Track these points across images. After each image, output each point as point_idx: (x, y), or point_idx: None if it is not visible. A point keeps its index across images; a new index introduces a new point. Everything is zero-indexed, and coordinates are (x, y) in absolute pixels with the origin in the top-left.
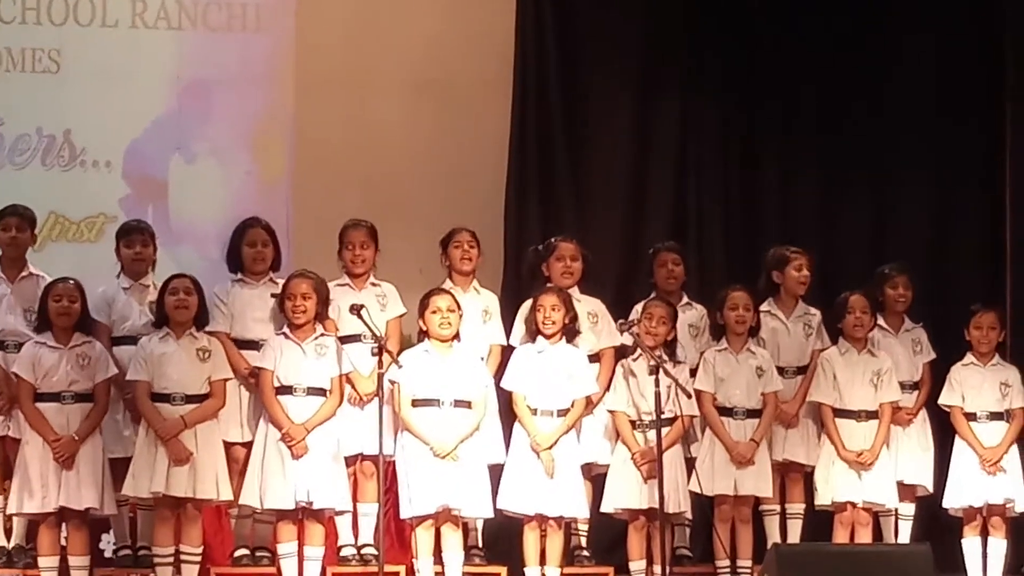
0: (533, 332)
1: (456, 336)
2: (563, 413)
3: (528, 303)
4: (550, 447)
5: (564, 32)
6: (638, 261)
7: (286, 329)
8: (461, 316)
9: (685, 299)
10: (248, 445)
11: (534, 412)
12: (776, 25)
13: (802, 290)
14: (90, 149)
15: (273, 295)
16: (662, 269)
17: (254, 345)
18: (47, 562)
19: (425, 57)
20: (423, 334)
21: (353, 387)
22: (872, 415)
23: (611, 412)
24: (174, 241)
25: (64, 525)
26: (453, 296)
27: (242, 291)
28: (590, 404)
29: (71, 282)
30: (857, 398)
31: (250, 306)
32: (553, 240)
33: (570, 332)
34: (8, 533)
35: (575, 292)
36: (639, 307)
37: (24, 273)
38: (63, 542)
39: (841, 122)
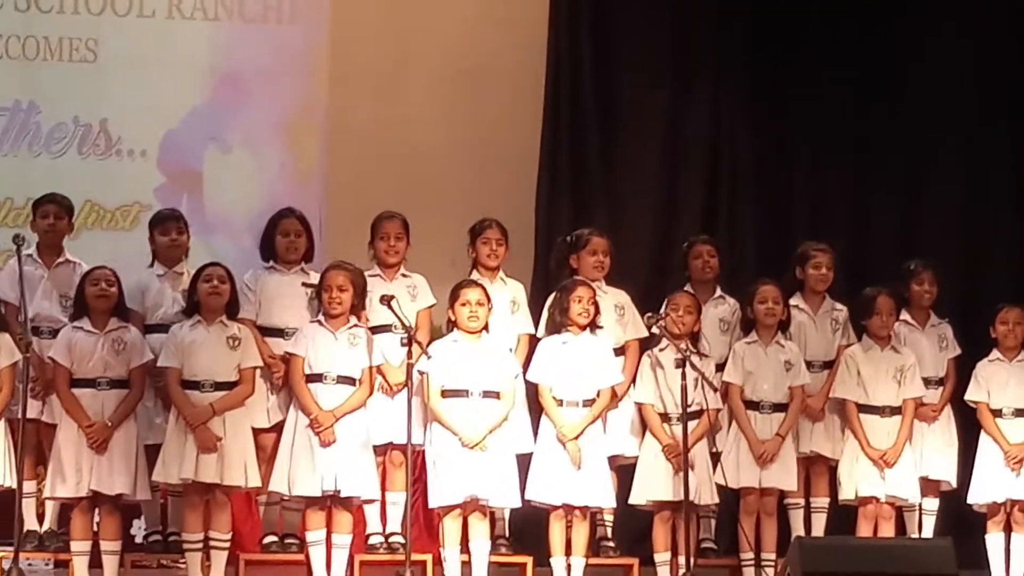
0: (558, 324)
1: (485, 328)
2: (588, 404)
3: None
4: (576, 437)
5: (597, 23)
6: (668, 254)
7: (320, 317)
8: (491, 309)
9: (718, 292)
10: (276, 432)
11: (560, 403)
12: (809, 20)
13: (822, 287)
14: (126, 138)
15: (305, 284)
16: (697, 261)
17: (280, 333)
18: (79, 546)
19: (458, 48)
20: (452, 324)
21: (384, 378)
22: (896, 411)
23: (638, 404)
24: (208, 231)
25: (96, 510)
26: (484, 289)
27: (271, 278)
28: (615, 395)
29: (108, 269)
30: (881, 394)
31: (279, 293)
32: (585, 233)
33: (593, 324)
34: (40, 518)
35: (601, 284)
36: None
37: (60, 260)
38: (95, 527)
39: (873, 119)
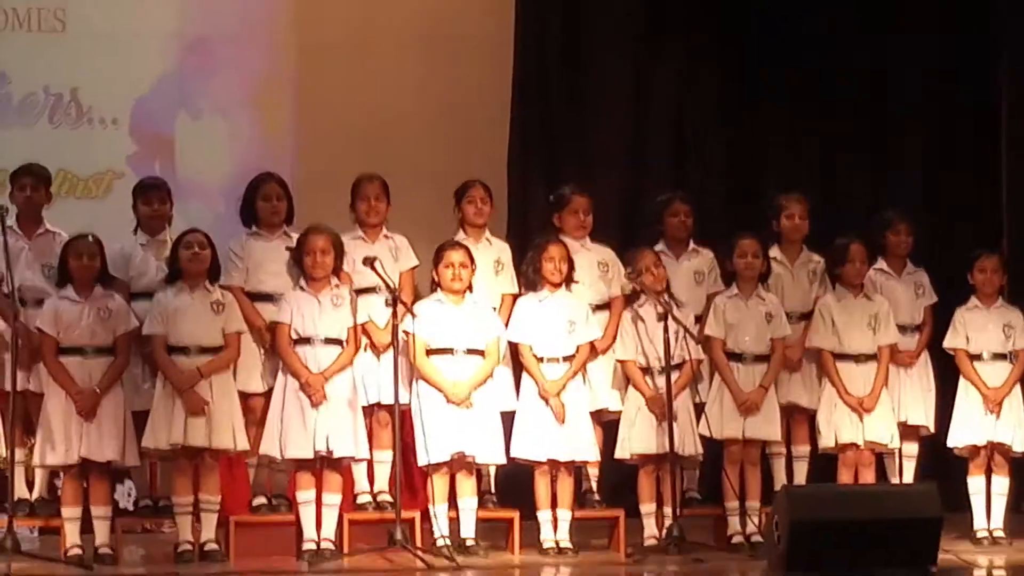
0: (532, 282)
1: (468, 288)
2: (569, 360)
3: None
4: (558, 393)
5: None
6: (638, 211)
7: (302, 282)
8: (474, 271)
9: (692, 246)
10: (264, 396)
11: (540, 360)
12: None
13: (797, 235)
14: (97, 107)
15: (288, 248)
16: (674, 219)
17: (269, 298)
18: (70, 512)
19: (426, 10)
20: (436, 285)
21: (369, 337)
22: (871, 358)
23: (620, 362)
24: (181, 196)
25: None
26: (468, 251)
27: (256, 244)
28: (594, 349)
29: (91, 237)
30: (855, 342)
31: (265, 259)
32: (567, 192)
33: (568, 281)
34: (30, 486)
35: (586, 241)
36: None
37: (41, 230)
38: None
39: (843, 73)
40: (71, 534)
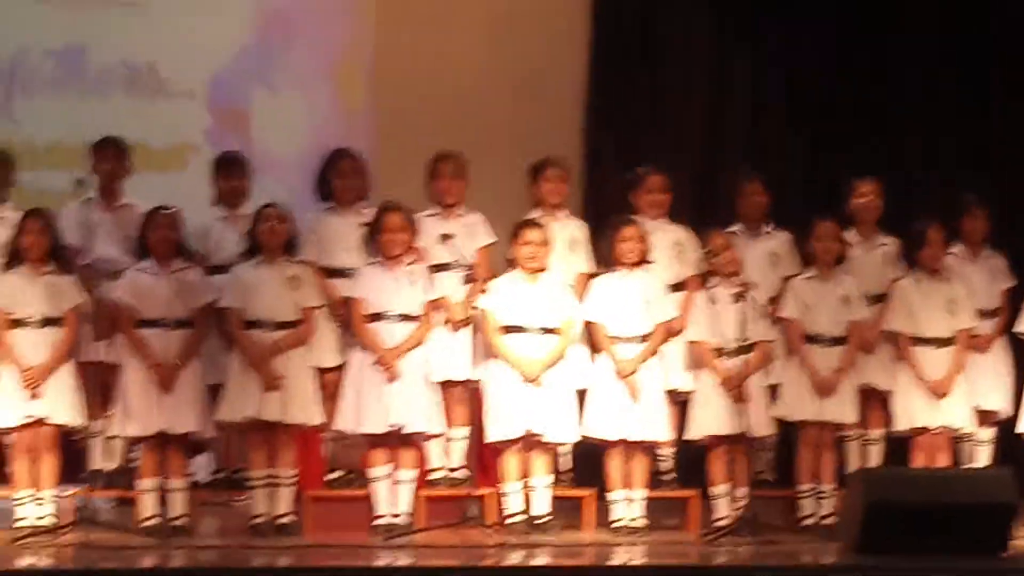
0: (608, 262)
1: (544, 267)
2: (644, 339)
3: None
4: (633, 372)
5: None
6: (713, 189)
7: (377, 258)
8: (551, 250)
9: (768, 228)
10: (338, 371)
11: (615, 340)
12: None
13: (870, 216)
14: (174, 80)
15: (363, 224)
16: (747, 199)
17: (342, 273)
18: (147, 484)
19: None
20: (512, 262)
21: (447, 313)
22: (947, 342)
23: (693, 343)
24: (257, 171)
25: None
26: (545, 230)
27: (331, 220)
28: (670, 329)
29: (171, 210)
30: (932, 325)
31: (339, 235)
32: (642, 171)
33: (643, 260)
34: (108, 457)
35: (662, 221)
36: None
37: (120, 203)
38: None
39: (930, 57)
40: (148, 505)
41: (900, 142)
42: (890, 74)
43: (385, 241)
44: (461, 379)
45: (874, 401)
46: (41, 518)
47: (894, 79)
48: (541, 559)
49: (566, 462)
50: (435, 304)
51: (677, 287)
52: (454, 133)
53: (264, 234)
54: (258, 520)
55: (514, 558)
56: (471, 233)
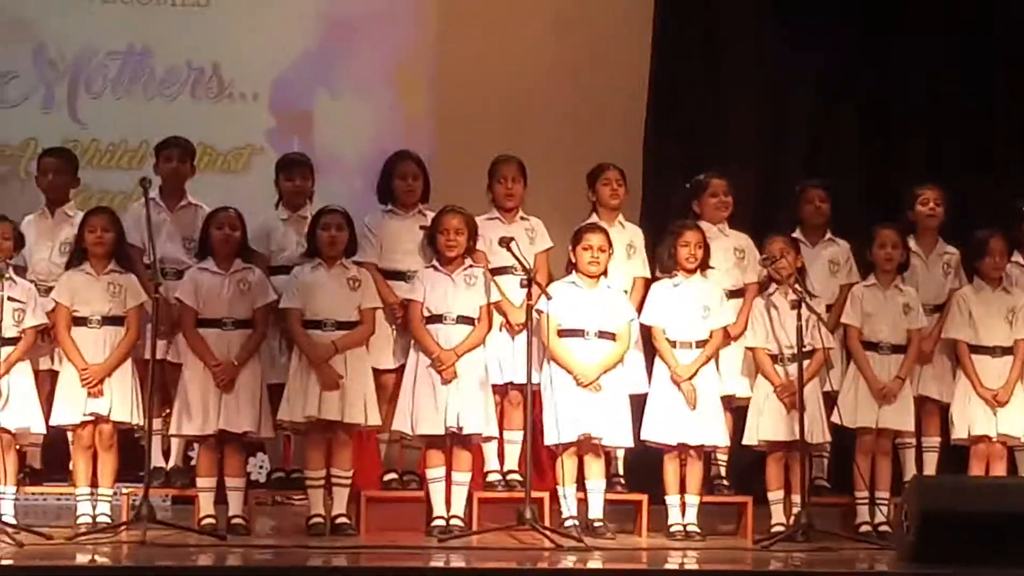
0: (668, 267)
1: (604, 272)
2: (701, 344)
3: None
4: (690, 378)
5: None
6: (775, 196)
7: (436, 261)
8: (611, 255)
9: (828, 235)
10: (396, 373)
11: (673, 344)
12: None
13: (931, 223)
14: (238, 82)
15: (422, 227)
16: (809, 205)
17: (402, 276)
18: (205, 483)
19: None
20: (571, 266)
21: (504, 317)
22: (1007, 351)
23: (750, 349)
24: (318, 172)
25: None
26: (607, 235)
27: (391, 222)
28: (727, 335)
29: (233, 211)
30: (992, 334)
31: (399, 238)
32: (703, 177)
33: (704, 266)
34: (166, 455)
35: (724, 227)
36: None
37: (183, 203)
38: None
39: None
40: (205, 504)
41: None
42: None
43: (444, 243)
44: (519, 383)
45: (931, 409)
46: (99, 516)
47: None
48: (595, 563)
49: (618, 466)
50: (493, 307)
51: (735, 293)
52: (514, 137)
53: (324, 242)
54: (315, 520)
55: (568, 561)
56: (530, 237)
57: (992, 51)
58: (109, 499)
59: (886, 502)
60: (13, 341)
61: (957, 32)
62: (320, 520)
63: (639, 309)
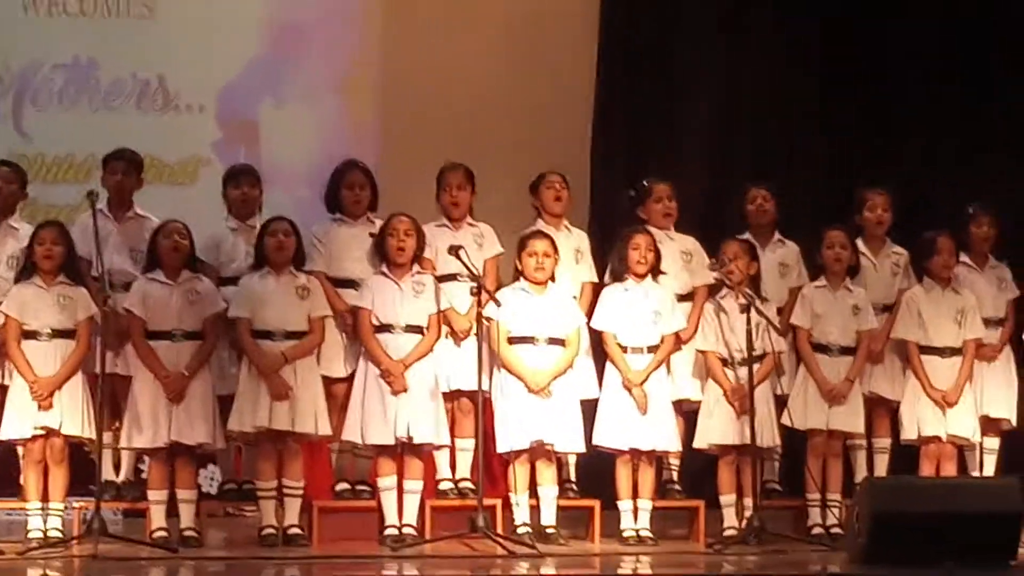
0: (619, 272)
1: (551, 278)
2: (653, 350)
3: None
4: (642, 383)
5: None
6: (725, 201)
7: (384, 268)
8: (557, 261)
9: (776, 237)
10: (347, 381)
11: (624, 350)
12: None
13: (879, 230)
14: (184, 93)
15: (372, 235)
16: (752, 205)
17: (352, 284)
18: (156, 495)
19: (512, 1)
20: (518, 273)
21: (450, 325)
22: (956, 351)
23: (701, 352)
24: (265, 182)
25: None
26: (552, 241)
27: (340, 230)
28: (679, 340)
29: (180, 223)
30: (942, 335)
31: (348, 246)
32: (647, 183)
33: (655, 271)
34: (116, 469)
35: (670, 231)
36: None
37: (130, 214)
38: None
39: (933, 64)
40: (157, 517)
41: (902, 144)
42: (890, 75)
43: (394, 245)
44: (467, 390)
45: (881, 410)
46: (51, 530)
47: (895, 80)
48: (549, 569)
49: (570, 472)
50: (442, 315)
51: (684, 297)
52: (462, 145)
53: (271, 249)
54: (267, 531)
55: (522, 568)
56: (479, 243)
57: (950, 52)
58: (60, 513)
59: (838, 504)
60: None
61: (910, 34)
62: (272, 531)
63: (588, 314)
